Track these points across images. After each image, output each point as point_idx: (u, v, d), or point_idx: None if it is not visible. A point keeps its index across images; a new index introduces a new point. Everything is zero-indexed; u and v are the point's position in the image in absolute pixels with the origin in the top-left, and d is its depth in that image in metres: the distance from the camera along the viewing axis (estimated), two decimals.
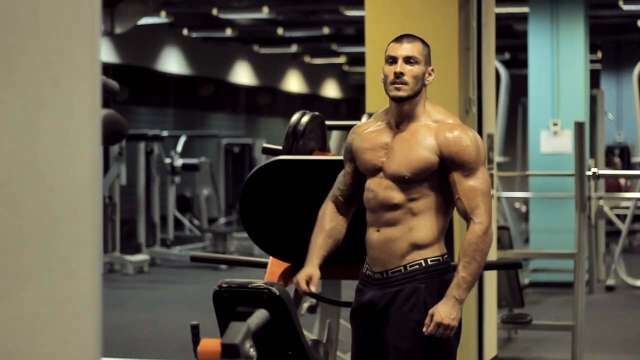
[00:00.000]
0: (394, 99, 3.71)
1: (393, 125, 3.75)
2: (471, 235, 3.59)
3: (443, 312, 3.58)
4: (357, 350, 3.83)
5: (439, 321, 3.58)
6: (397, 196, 3.66)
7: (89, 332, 1.59)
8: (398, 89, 3.69)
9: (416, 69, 3.71)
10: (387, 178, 3.69)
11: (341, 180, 3.90)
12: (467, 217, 3.63)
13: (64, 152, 1.56)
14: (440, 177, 3.67)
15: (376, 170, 3.73)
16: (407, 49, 3.73)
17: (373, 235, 3.72)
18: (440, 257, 3.68)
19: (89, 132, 1.59)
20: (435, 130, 3.68)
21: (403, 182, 3.66)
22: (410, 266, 3.66)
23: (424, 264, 3.65)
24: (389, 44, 3.78)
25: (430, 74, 3.77)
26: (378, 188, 3.70)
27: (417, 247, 3.65)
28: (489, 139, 6.74)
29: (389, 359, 3.70)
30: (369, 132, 3.81)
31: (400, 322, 3.66)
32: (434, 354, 3.66)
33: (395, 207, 3.67)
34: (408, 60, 3.71)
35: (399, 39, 3.77)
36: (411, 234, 3.65)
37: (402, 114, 3.73)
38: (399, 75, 3.69)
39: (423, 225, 3.65)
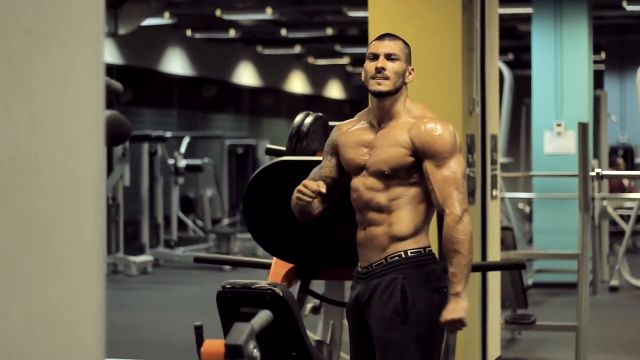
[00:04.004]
0: (375, 94, 3.77)
1: (375, 124, 3.82)
2: (446, 229, 3.64)
3: (447, 311, 3.63)
4: (353, 346, 3.88)
5: (443, 321, 3.64)
6: (379, 196, 3.73)
7: (93, 333, 1.59)
8: (380, 84, 3.76)
9: (397, 66, 3.78)
10: (371, 176, 3.75)
11: (318, 172, 3.93)
12: (441, 210, 3.68)
13: (68, 153, 1.56)
14: (421, 173, 3.73)
15: (360, 169, 3.79)
16: (389, 46, 3.80)
17: (360, 233, 3.79)
18: (422, 249, 3.72)
19: (92, 133, 1.59)
20: (411, 125, 3.75)
21: (384, 178, 3.72)
22: (391, 258, 3.71)
23: (404, 256, 3.70)
24: (371, 43, 3.86)
25: (410, 73, 3.84)
26: (362, 188, 3.76)
27: (397, 239, 3.70)
28: (492, 139, 6.74)
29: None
30: (353, 130, 3.87)
31: (380, 311, 3.71)
32: (413, 344, 3.67)
33: (378, 207, 3.72)
34: (389, 57, 3.78)
35: (381, 38, 3.85)
36: (392, 228, 3.70)
37: (383, 111, 3.80)
38: (380, 70, 3.76)
39: (404, 219, 3.70)
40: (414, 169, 3.71)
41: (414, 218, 3.71)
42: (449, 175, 3.68)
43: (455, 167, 3.69)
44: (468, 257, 3.64)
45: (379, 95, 3.77)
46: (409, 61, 3.84)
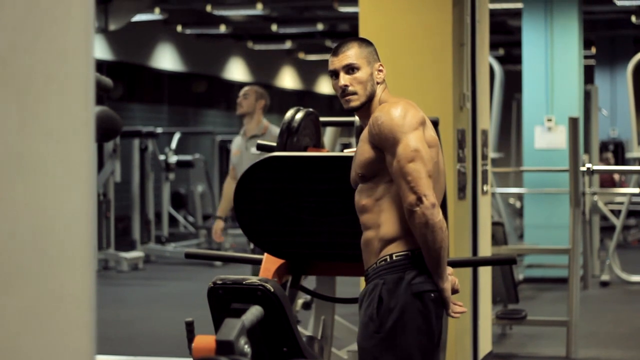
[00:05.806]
0: (349, 111, 3.71)
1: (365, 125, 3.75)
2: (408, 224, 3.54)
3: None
4: None
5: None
6: (365, 198, 3.64)
7: (84, 329, 1.59)
8: (349, 101, 3.68)
9: (360, 74, 3.67)
10: (358, 180, 3.69)
11: None
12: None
13: (57, 149, 1.55)
14: None
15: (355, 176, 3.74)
16: (344, 58, 3.69)
17: (362, 237, 3.71)
18: (409, 252, 3.57)
19: (83, 129, 1.59)
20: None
21: (365, 180, 3.64)
22: (379, 262, 3.62)
23: (389, 260, 3.59)
24: (329, 59, 3.75)
25: (380, 71, 3.71)
26: (357, 192, 3.71)
27: (385, 242, 3.60)
28: (483, 134, 6.74)
29: None
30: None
31: (361, 317, 3.65)
32: (388, 353, 3.55)
33: (365, 208, 3.64)
34: (348, 69, 3.69)
35: (334, 51, 3.74)
36: (379, 230, 3.60)
37: (363, 118, 3.73)
38: (344, 88, 3.67)
39: (389, 220, 3.59)
40: (385, 165, 3.58)
41: (400, 218, 3.57)
42: (395, 166, 3.52)
43: (401, 153, 3.51)
44: (435, 244, 3.49)
45: (353, 110, 3.70)
46: (373, 60, 3.71)
